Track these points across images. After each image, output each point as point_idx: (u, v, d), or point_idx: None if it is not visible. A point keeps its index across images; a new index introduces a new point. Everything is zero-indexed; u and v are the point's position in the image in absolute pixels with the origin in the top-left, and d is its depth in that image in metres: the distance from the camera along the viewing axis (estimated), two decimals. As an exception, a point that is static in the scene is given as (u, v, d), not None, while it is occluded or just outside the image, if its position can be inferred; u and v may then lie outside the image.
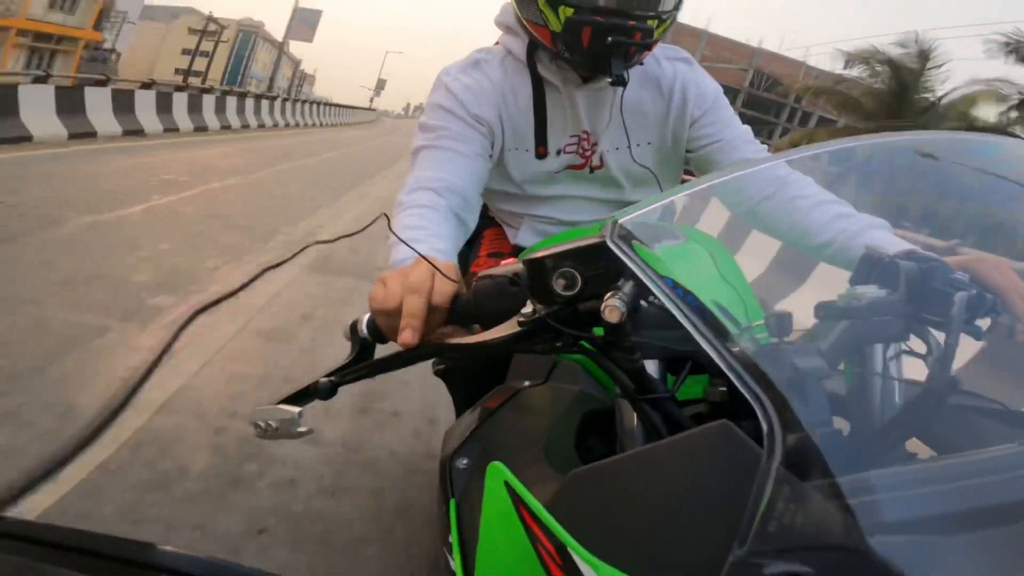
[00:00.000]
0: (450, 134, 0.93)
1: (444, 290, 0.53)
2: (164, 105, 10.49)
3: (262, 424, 0.50)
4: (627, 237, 0.45)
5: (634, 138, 1.01)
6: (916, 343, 0.51)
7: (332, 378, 0.52)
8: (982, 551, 0.32)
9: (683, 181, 1.14)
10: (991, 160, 0.67)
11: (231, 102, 13.71)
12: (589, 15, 0.82)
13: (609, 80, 0.85)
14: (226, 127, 12.96)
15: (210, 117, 12.28)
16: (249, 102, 14.98)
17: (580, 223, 1.09)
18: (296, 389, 0.52)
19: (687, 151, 1.04)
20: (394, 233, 0.63)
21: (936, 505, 0.34)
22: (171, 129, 10.41)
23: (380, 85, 58.23)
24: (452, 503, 0.59)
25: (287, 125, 17.88)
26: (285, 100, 18.82)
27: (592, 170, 1.04)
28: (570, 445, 0.59)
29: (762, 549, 0.32)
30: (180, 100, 11.15)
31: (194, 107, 11.65)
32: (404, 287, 0.52)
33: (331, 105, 27.43)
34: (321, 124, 22.46)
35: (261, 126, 15.44)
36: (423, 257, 0.54)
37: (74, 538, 0.32)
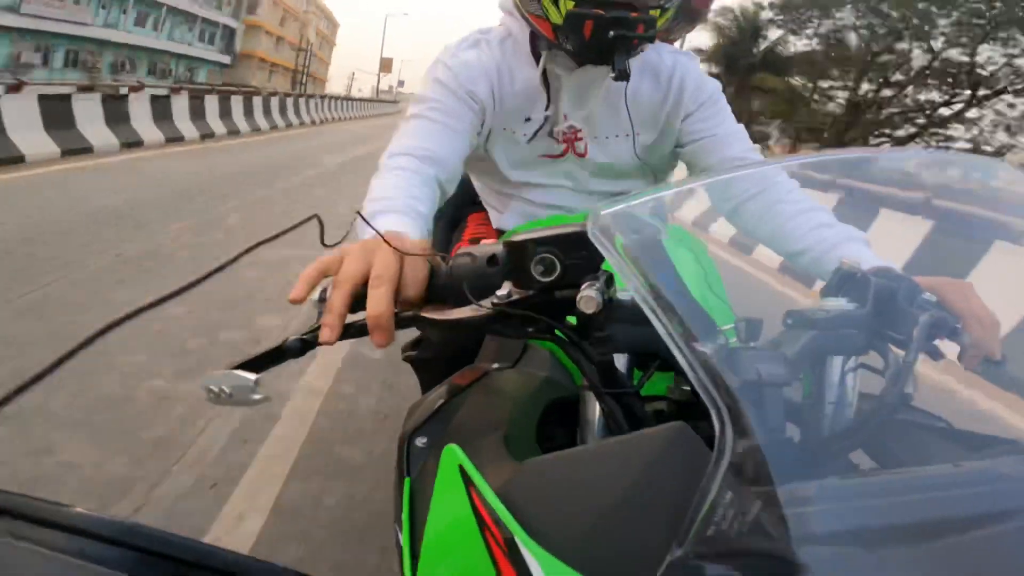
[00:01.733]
0: (442, 107, 0.93)
1: (416, 278, 0.51)
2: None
3: (215, 389, 0.48)
4: (608, 229, 0.45)
5: (626, 127, 0.99)
6: (877, 359, 0.52)
7: (299, 342, 0.50)
8: (907, 567, 0.33)
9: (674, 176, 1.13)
10: (980, 180, 0.68)
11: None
12: (590, 8, 0.80)
13: (612, 75, 0.84)
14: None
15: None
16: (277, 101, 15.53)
17: (565, 209, 1.08)
18: (255, 354, 0.50)
19: (678, 145, 1.03)
20: (368, 221, 0.58)
21: (868, 519, 0.34)
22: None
23: (385, 66, 51.85)
24: (407, 481, 0.59)
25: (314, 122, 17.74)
26: (310, 97, 18.61)
27: (580, 157, 1.03)
28: (531, 432, 0.59)
29: (699, 551, 0.32)
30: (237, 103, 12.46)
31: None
32: (375, 275, 0.49)
33: (355, 100, 30.42)
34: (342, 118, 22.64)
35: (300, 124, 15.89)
36: (388, 243, 0.51)
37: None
